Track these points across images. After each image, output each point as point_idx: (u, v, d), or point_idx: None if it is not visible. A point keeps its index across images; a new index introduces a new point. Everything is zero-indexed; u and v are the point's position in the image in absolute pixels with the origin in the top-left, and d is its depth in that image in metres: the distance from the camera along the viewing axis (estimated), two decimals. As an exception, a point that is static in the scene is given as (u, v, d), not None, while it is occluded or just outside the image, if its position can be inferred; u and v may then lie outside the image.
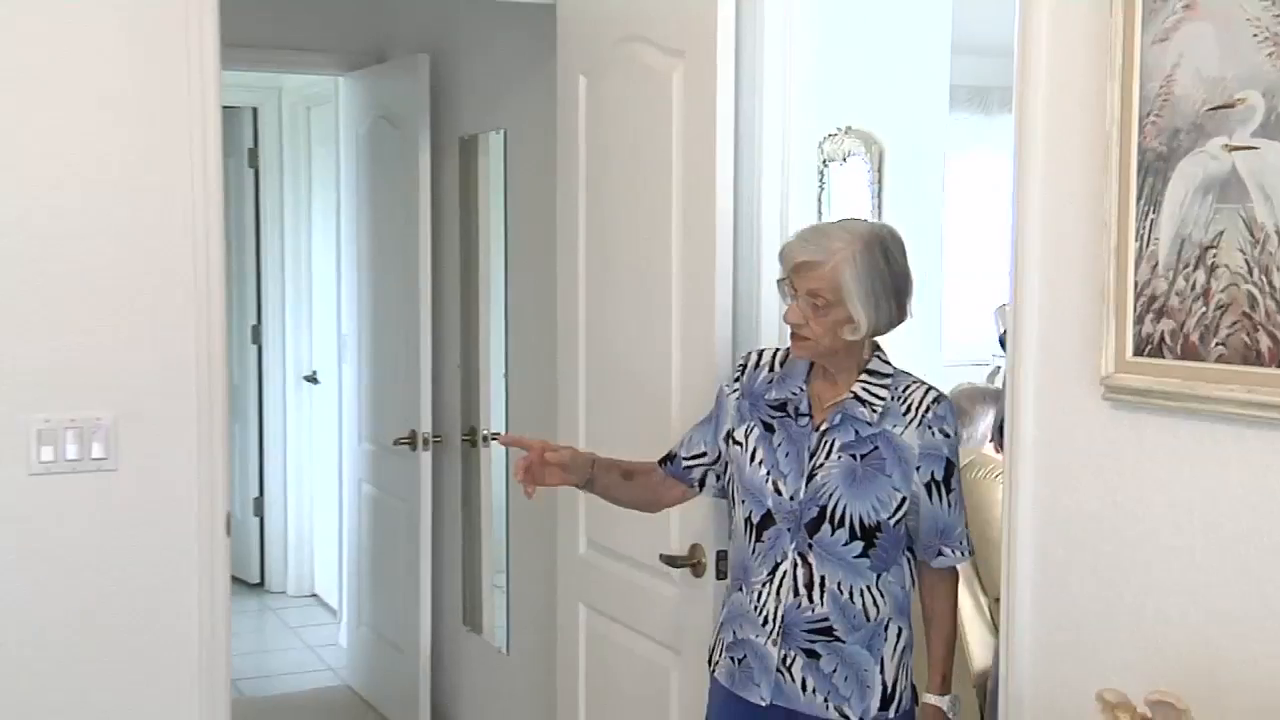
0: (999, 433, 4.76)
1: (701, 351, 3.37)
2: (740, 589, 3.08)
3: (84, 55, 3.64)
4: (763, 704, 3.00)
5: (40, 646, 3.70)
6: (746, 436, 3.07)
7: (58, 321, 3.64)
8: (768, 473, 3.01)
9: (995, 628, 4.27)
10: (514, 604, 5.23)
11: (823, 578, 2.94)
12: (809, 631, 2.96)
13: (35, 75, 3.60)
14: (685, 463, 3.21)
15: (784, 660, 2.98)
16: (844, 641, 2.95)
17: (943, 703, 3.01)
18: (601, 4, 3.85)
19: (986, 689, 4.28)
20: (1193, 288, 2.23)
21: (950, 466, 2.95)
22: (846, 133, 5.40)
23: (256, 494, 7.98)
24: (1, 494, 3.61)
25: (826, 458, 2.95)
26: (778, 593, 2.99)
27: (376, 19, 5.97)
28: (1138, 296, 2.34)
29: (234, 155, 7.13)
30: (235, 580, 4.06)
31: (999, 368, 6.72)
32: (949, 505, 2.95)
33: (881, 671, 2.97)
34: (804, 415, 3.01)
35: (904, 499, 2.92)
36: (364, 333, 6.09)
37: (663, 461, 3.26)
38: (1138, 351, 2.34)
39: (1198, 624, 2.29)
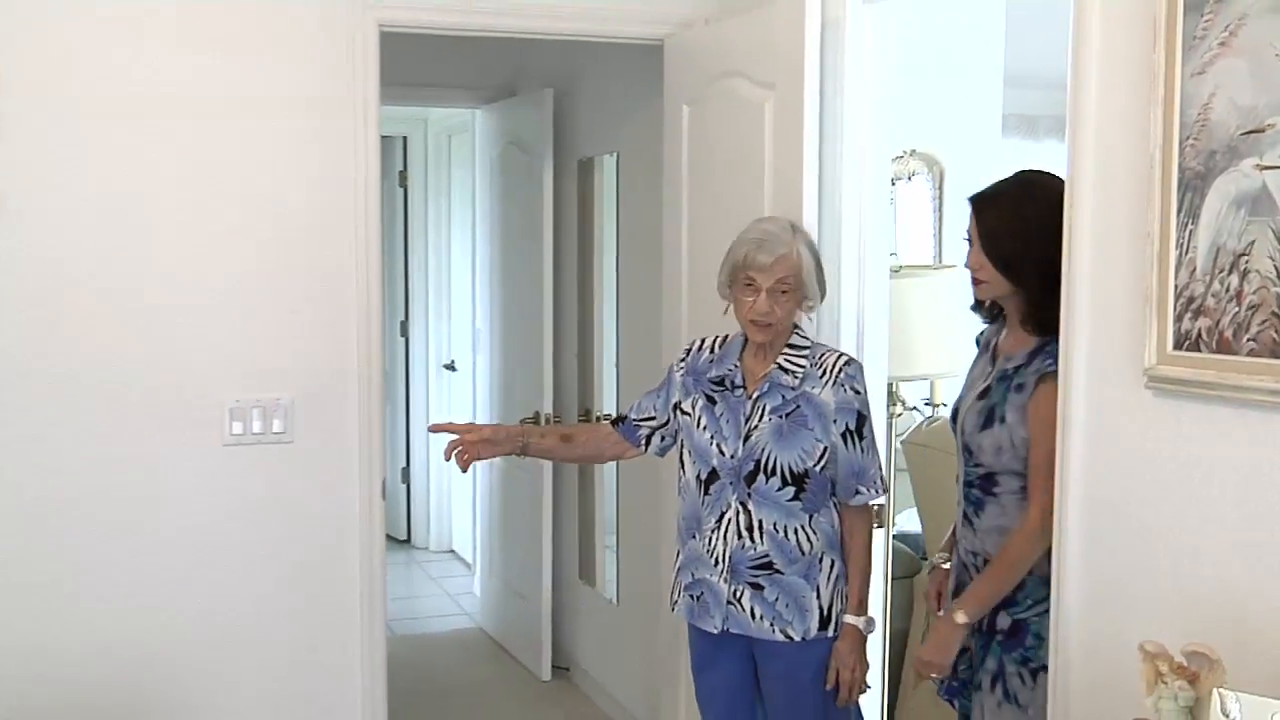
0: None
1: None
2: (694, 537, 3.16)
3: (274, 97, 3.71)
4: (715, 632, 3.12)
5: (234, 586, 3.78)
6: (693, 407, 3.17)
7: (248, 318, 3.71)
8: (711, 436, 3.10)
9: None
10: (622, 561, 5.22)
11: (761, 521, 3.05)
12: (753, 568, 3.06)
13: (246, 113, 3.68)
14: (635, 423, 3.30)
15: (734, 594, 3.09)
16: (783, 574, 3.05)
17: (859, 622, 3.09)
18: (703, 43, 3.84)
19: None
20: (1227, 290, 2.19)
21: (861, 418, 3.04)
22: (911, 155, 5.37)
23: (404, 464, 8.01)
24: (202, 461, 3.69)
25: (759, 420, 3.05)
26: (725, 537, 3.09)
27: (508, 59, 5.98)
28: (1177, 298, 2.29)
29: (388, 177, 7.15)
30: (387, 537, 4.06)
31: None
32: (862, 451, 3.04)
33: (818, 597, 3.06)
34: (739, 387, 3.11)
35: (825, 448, 3.01)
36: (495, 327, 6.10)
37: (614, 421, 3.38)
38: (1177, 346, 2.30)
39: (1228, 584, 2.24)
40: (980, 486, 2.89)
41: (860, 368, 3.08)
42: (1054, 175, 2.78)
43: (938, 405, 4.64)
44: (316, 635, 3.86)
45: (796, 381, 3.04)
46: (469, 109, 6.36)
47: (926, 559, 4.75)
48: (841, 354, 3.10)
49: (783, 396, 3.04)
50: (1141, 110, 2.36)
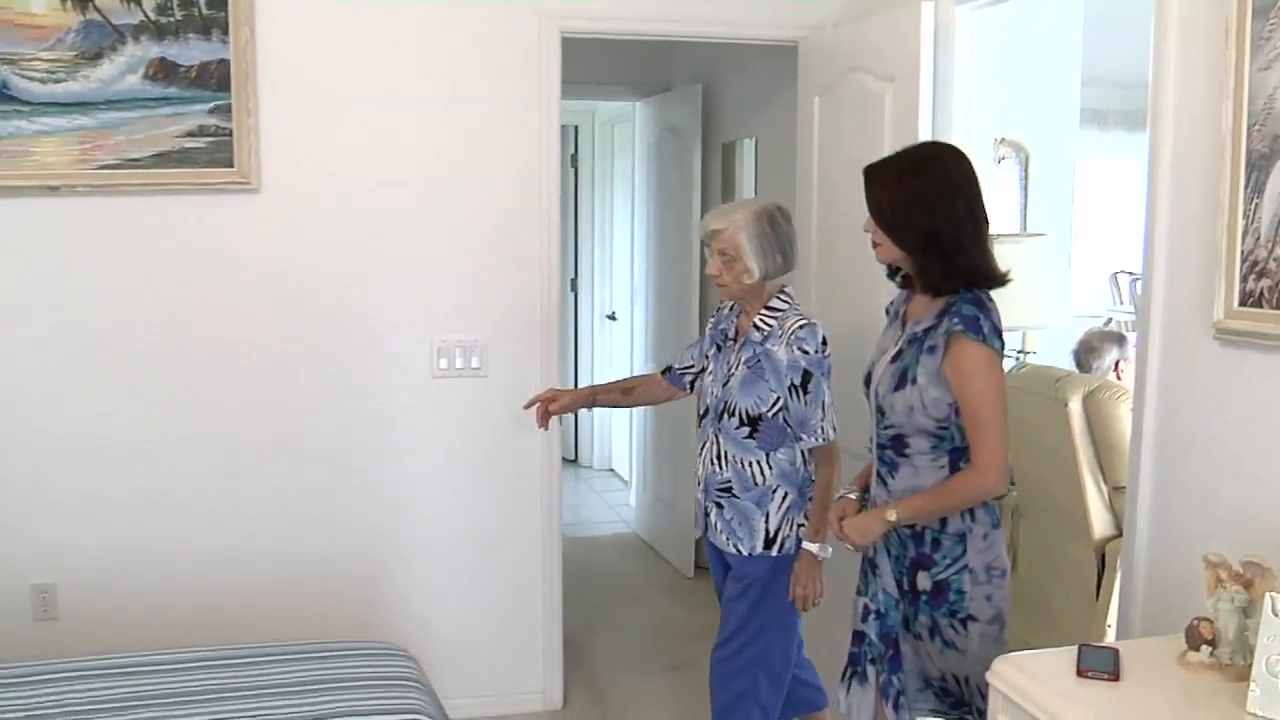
0: (1117, 365, 4.62)
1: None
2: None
3: (478, 95, 3.78)
4: (697, 537, 3.28)
5: (440, 493, 3.89)
6: (708, 356, 3.22)
7: (453, 271, 3.80)
8: (711, 379, 3.17)
9: (1111, 508, 4.15)
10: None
11: (727, 451, 3.08)
12: (718, 490, 3.12)
13: (457, 108, 3.76)
14: (679, 372, 3.37)
15: (706, 510, 3.17)
16: (739, 498, 3.08)
17: (814, 548, 3.05)
18: (833, 43, 3.81)
19: (1104, 555, 4.17)
20: (1288, 255, 2.14)
21: (807, 375, 2.98)
22: (1001, 142, 5.26)
23: (572, 397, 8.10)
24: (416, 390, 3.81)
25: (735, 369, 3.07)
26: (704, 462, 3.17)
27: (663, 59, 5.99)
28: (1243, 261, 2.24)
29: (561, 161, 7.26)
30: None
31: (1111, 318, 6.47)
32: (805, 404, 2.99)
33: (766, 521, 3.07)
34: (731, 340, 3.15)
35: (778, 398, 3.00)
36: (650, 284, 6.13)
37: (664, 371, 3.42)
38: (1242, 303, 2.26)
39: (1282, 507, 2.21)
40: (893, 448, 2.64)
41: (813, 330, 2.98)
42: (949, 150, 2.63)
43: (1028, 353, 4.58)
44: (505, 535, 3.96)
45: (761, 338, 3.03)
46: (630, 102, 6.38)
47: (1013, 484, 4.70)
48: (802, 319, 3.01)
49: (752, 350, 3.04)
50: (1214, 101, 2.31)
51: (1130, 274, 6.65)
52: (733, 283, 3.02)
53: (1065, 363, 4.89)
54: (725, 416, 3.07)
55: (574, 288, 8.05)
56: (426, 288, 3.78)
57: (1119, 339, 4.74)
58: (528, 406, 3.41)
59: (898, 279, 2.70)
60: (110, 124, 3.53)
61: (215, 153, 3.58)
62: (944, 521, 2.57)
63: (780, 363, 2.98)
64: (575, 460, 8.11)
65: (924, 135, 3.24)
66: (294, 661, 2.63)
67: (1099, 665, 2.04)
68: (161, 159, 3.56)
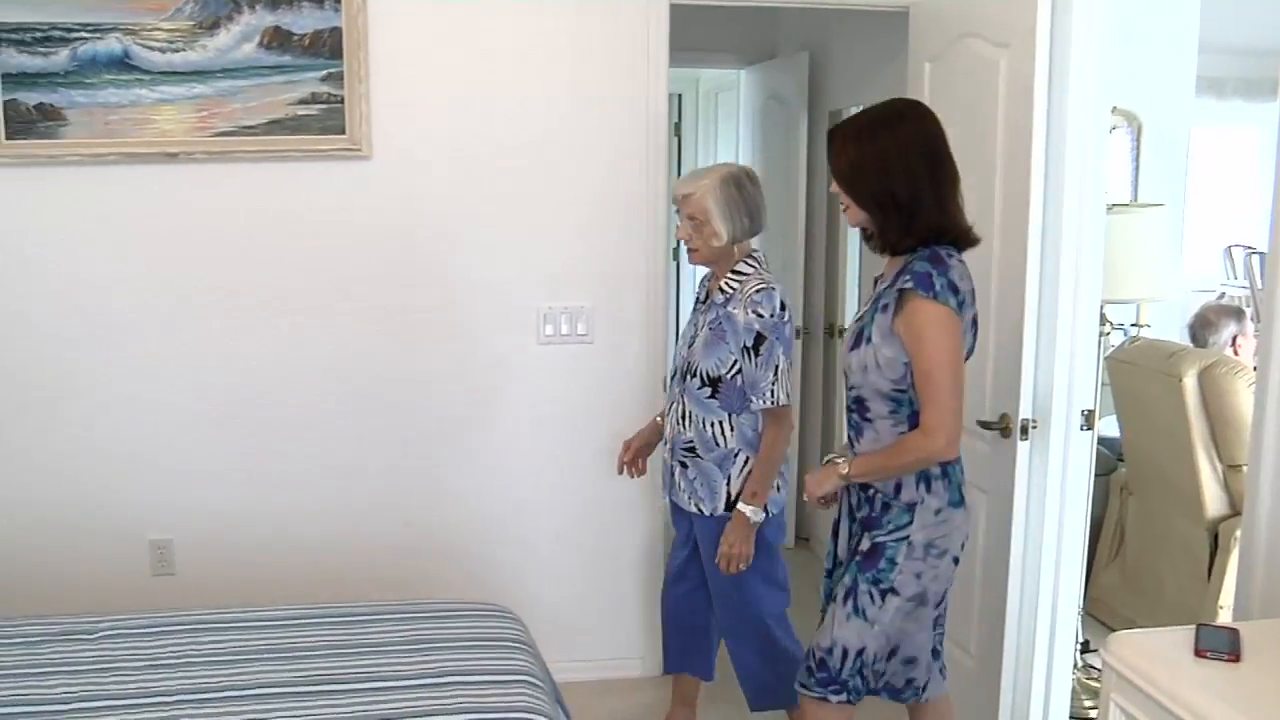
0: (1234, 340, 4.50)
1: (1016, 277, 3.21)
2: None
3: (588, 62, 3.76)
4: (664, 500, 3.34)
5: (545, 458, 3.92)
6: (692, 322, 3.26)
7: (560, 238, 3.81)
8: (679, 341, 3.25)
9: (1226, 487, 4.05)
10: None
11: (691, 412, 3.14)
12: (683, 450, 3.17)
13: (568, 72, 3.75)
14: None
15: (672, 470, 3.23)
16: (702, 458, 3.13)
17: (747, 510, 3.05)
18: (945, 8, 3.72)
19: (1216, 534, 4.07)
20: None
21: (760, 337, 2.99)
22: (1113, 110, 5.12)
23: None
24: (522, 356, 3.84)
25: (700, 330, 3.13)
26: (671, 422, 3.23)
27: (768, 26, 5.93)
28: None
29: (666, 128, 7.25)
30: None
31: (1224, 293, 6.29)
32: (756, 366, 3.00)
33: (728, 484, 3.12)
34: (702, 303, 3.22)
35: (736, 360, 3.03)
36: (764, 251, 6.08)
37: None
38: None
39: None
40: (857, 410, 2.63)
41: (769, 295, 3.00)
42: (912, 109, 2.61)
43: (1142, 326, 4.46)
44: (608, 502, 3.97)
45: (724, 300, 3.07)
46: (735, 70, 6.32)
47: (1122, 460, 4.61)
48: (761, 284, 3.02)
49: (716, 313, 3.08)
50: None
51: (1245, 248, 6.44)
52: (702, 246, 3.08)
53: (1178, 337, 4.77)
54: (689, 377, 3.13)
55: (675, 256, 8.03)
56: (533, 254, 3.80)
57: (1237, 314, 4.61)
58: (620, 472, 3.47)
59: (871, 243, 2.67)
60: (226, 92, 3.59)
61: (327, 120, 3.62)
62: (899, 488, 2.55)
63: (738, 325, 3.02)
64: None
65: (1040, 104, 3.15)
66: (402, 620, 2.68)
67: (1218, 646, 1.99)
68: (275, 126, 3.62)
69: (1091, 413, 3.26)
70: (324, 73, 3.60)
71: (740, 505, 3.06)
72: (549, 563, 3.96)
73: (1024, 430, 3.18)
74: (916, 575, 2.56)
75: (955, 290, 2.45)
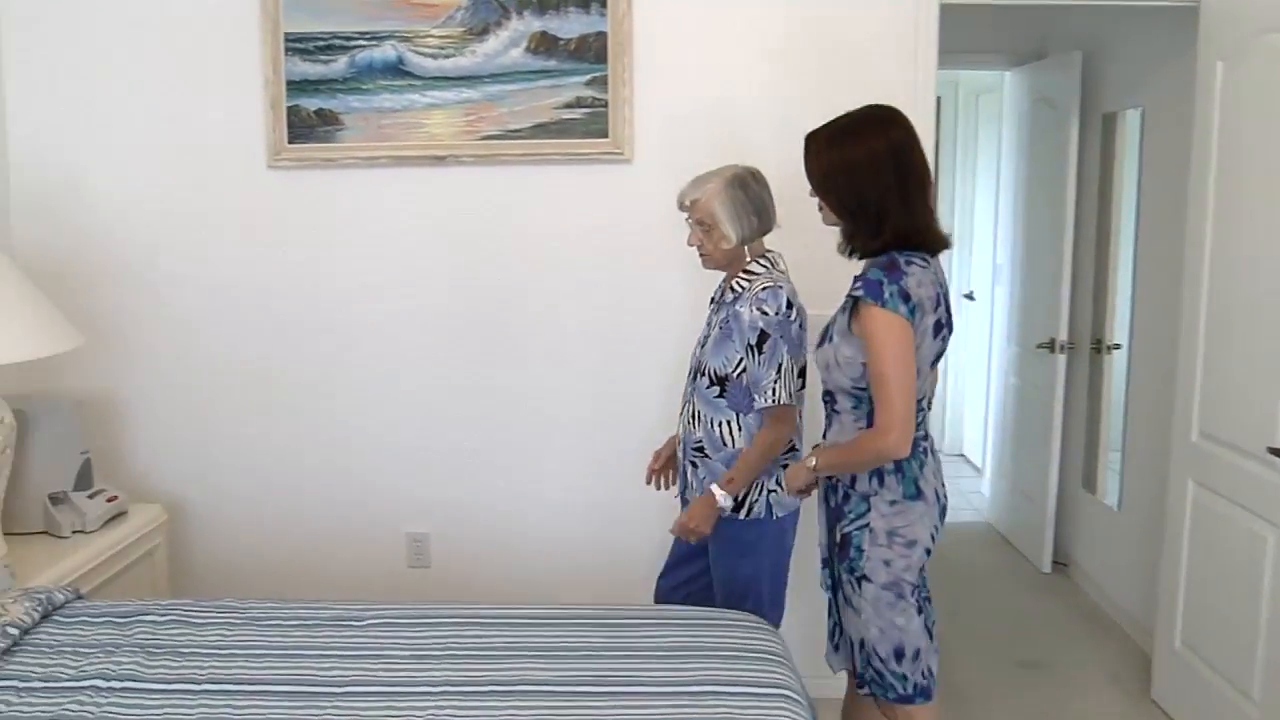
0: None
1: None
2: None
3: (852, 67, 3.73)
4: (677, 499, 3.35)
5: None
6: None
7: (823, 242, 3.63)
8: (696, 343, 3.27)
9: None
10: (1127, 472, 4.97)
11: (700, 412, 3.17)
12: (693, 450, 3.20)
13: (826, 82, 3.72)
14: None
15: (684, 470, 3.26)
16: (711, 458, 3.16)
17: (718, 494, 3.08)
18: (1242, 2, 3.52)
19: None
20: None
21: (763, 335, 3.01)
22: None
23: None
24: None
25: (713, 331, 3.17)
26: (683, 423, 3.25)
27: (1039, 26, 5.75)
28: None
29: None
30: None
31: None
32: (760, 364, 3.02)
33: None
34: (714, 303, 3.27)
35: (741, 359, 3.05)
36: (1015, 262, 5.91)
37: None
38: None
39: None
40: (827, 403, 2.83)
41: (775, 293, 3.02)
42: (884, 115, 2.72)
43: None
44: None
45: (732, 299, 3.11)
46: (1000, 71, 6.16)
47: None
48: (769, 282, 3.06)
49: (725, 312, 3.13)
50: None
51: None
52: (713, 250, 3.11)
53: None
54: (699, 376, 3.18)
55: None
56: (791, 260, 3.75)
57: None
58: (649, 482, 3.46)
59: (840, 247, 2.80)
60: (494, 97, 3.73)
61: (591, 124, 3.72)
62: (854, 480, 2.74)
63: (745, 323, 3.05)
64: (923, 444, 7.94)
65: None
66: (657, 626, 2.71)
67: None
68: (540, 130, 3.73)
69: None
70: (588, 77, 3.70)
71: (713, 486, 3.10)
72: (793, 576, 3.93)
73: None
74: (885, 562, 2.71)
75: (906, 298, 2.57)
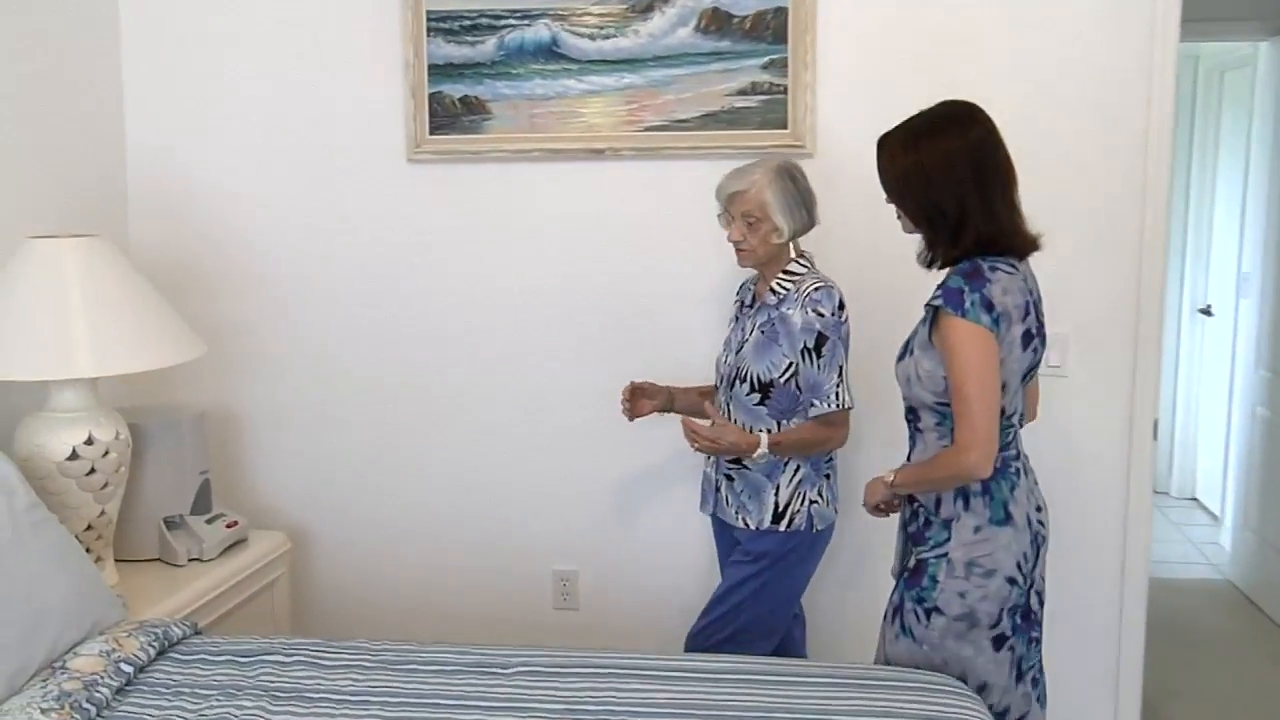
0: None
1: None
2: None
3: (1065, 47, 3.70)
4: (707, 515, 3.57)
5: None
6: (729, 326, 3.54)
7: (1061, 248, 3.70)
8: (723, 348, 3.50)
9: None
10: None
11: (737, 420, 3.37)
12: (728, 462, 3.41)
13: (1037, 66, 3.72)
14: None
15: (716, 484, 3.47)
16: (749, 470, 3.38)
17: (764, 439, 3.28)
18: None
19: None
20: None
21: (821, 338, 3.24)
22: None
23: (1149, 407, 7.79)
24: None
25: (750, 334, 3.36)
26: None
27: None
28: None
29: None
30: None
31: None
32: (819, 368, 3.26)
33: (776, 494, 3.37)
34: (748, 306, 3.45)
35: (791, 363, 3.27)
36: (1266, 270, 5.75)
37: None
38: None
39: None
40: (910, 421, 2.95)
41: (829, 293, 3.25)
42: (959, 112, 2.83)
43: None
44: (1073, 571, 3.85)
45: (777, 301, 3.31)
46: (1251, 42, 6.00)
47: None
48: (820, 282, 3.28)
49: (767, 315, 3.32)
50: None
51: None
52: (759, 245, 3.30)
53: None
54: (737, 383, 3.36)
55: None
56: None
57: None
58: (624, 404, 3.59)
59: (919, 257, 2.94)
60: (658, 82, 3.80)
61: (767, 113, 3.76)
62: (938, 503, 2.85)
63: (794, 326, 3.26)
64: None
65: None
66: (834, 686, 2.71)
67: None
68: (709, 120, 3.78)
69: None
70: (765, 59, 3.74)
71: (760, 433, 3.30)
72: None
73: None
74: (960, 594, 2.81)
75: (989, 307, 2.69)
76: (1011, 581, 2.82)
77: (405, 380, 4.11)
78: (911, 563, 2.91)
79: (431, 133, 3.92)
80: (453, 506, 4.15)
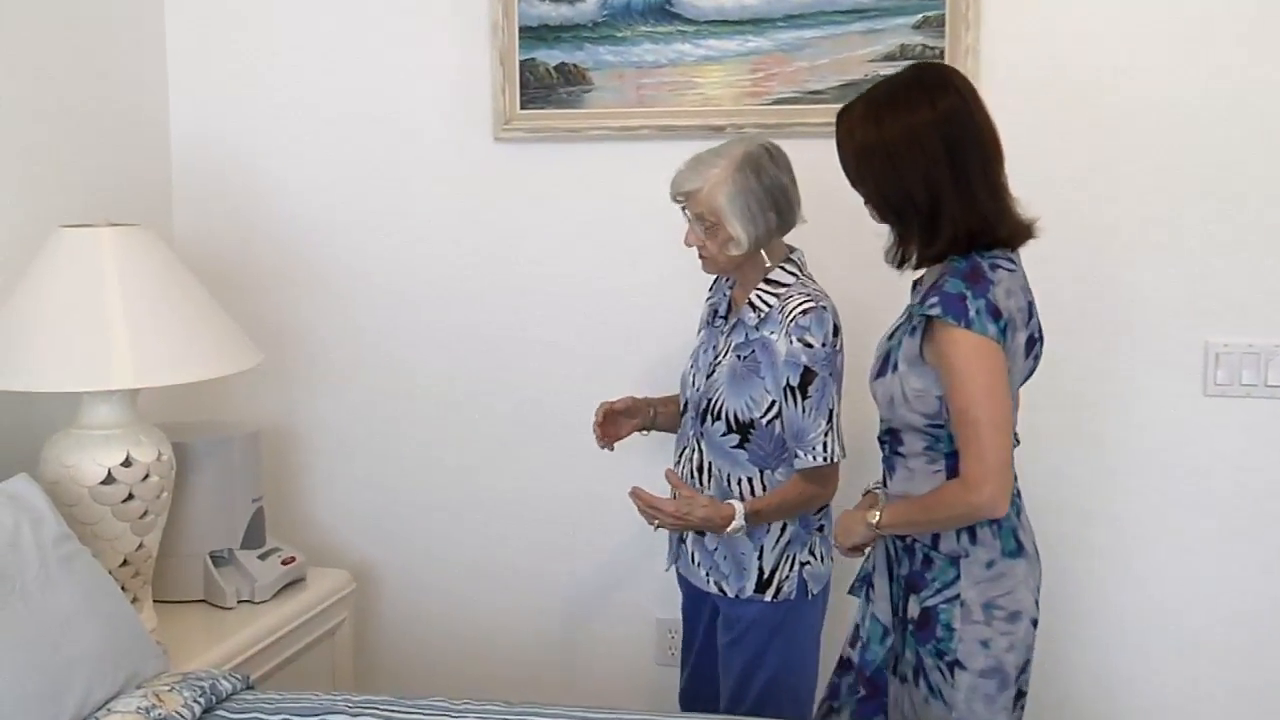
0: None
1: None
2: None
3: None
4: (666, 571, 3.37)
5: (1198, 550, 3.65)
6: (697, 337, 3.30)
7: (1238, 249, 3.54)
8: (691, 367, 3.25)
9: None
10: None
11: (710, 463, 3.13)
12: None
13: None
14: None
15: (683, 536, 3.23)
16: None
17: (740, 507, 3.01)
18: None
19: None
20: None
21: (807, 373, 2.97)
22: None
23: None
24: (1179, 411, 3.62)
25: (723, 356, 3.12)
26: (682, 472, 3.19)
27: None
28: None
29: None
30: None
31: None
32: (803, 411, 2.98)
33: (760, 558, 3.11)
34: (722, 318, 3.21)
35: (774, 401, 3.01)
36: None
37: None
38: None
39: None
40: (889, 444, 2.82)
41: (820, 317, 2.98)
42: (931, 76, 2.69)
43: None
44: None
45: (757, 321, 3.06)
46: None
47: None
48: (807, 300, 3.00)
49: (745, 336, 3.08)
50: None
51: None
52: (718, 254, 3.06)
53: None
54: (709, 419, 3.12)
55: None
56: (1202, 266, 3.58)
57: None
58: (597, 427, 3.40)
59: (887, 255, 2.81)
60: (788, 46, 3.68)
61: (919, 81, 3.59)
62: (936, 539, 2.71)
63: (778, 356, 3.00)
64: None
65: None
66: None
67: None
68: (849, 90, 3.60)
69: None
70: (918, 17, 3.60)
71: (735, 502, 3.04)
72: (1196, 684, 3.72)
73: None
74: (983, 643, 2.67)
75: (996, 315, 2.56)
76: (1035, 624, 2.75)
77: (488, 396, 4.04)
78: (915, 613, 2.77)
79: (523, 107, 3.85)
80: (543, 542, 4.07)
